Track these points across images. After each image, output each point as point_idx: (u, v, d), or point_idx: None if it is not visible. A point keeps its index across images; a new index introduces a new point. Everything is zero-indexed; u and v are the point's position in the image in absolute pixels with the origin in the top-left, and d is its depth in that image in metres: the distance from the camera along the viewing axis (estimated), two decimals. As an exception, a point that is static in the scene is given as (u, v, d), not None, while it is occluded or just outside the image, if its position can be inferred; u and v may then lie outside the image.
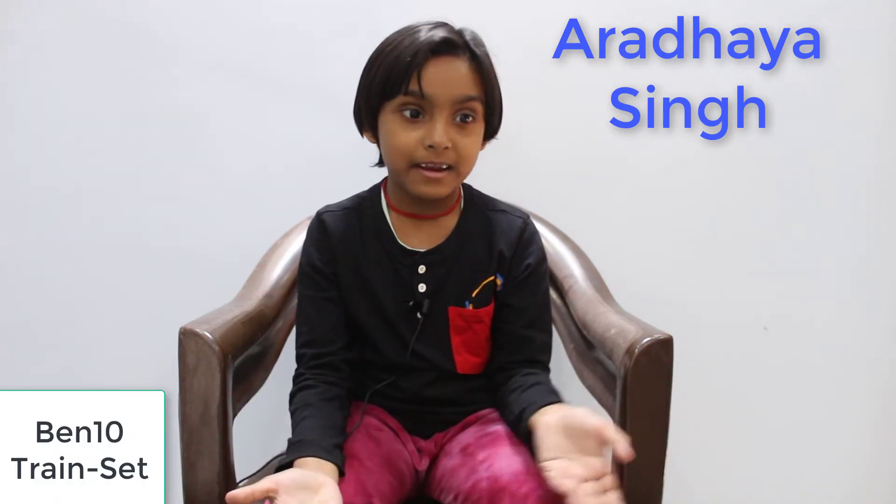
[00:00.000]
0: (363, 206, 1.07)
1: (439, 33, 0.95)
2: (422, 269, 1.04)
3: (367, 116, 1.01)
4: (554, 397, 0.96)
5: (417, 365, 1.05)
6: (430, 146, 0.95)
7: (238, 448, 1.02)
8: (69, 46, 1.35)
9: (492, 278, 1.05)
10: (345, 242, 1.05)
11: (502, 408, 1.03)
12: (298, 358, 1.05)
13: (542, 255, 1.08)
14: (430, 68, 0.94)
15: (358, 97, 1.02)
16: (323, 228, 1.05)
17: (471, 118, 0.97)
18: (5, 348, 1.41)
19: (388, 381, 1.05)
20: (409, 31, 0.97)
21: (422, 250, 1.04)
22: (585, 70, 1.38)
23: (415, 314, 1.04)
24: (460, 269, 1.05)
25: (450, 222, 1.06)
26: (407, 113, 0.96)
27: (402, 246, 1.04)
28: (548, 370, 1.07)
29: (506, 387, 1.03)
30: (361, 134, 1.05)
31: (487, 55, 0.99)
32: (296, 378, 1.03)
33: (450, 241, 1.05)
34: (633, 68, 1.38)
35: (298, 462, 0.88)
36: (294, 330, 1.10)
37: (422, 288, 1.04)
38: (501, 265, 1.05)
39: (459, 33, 0.97)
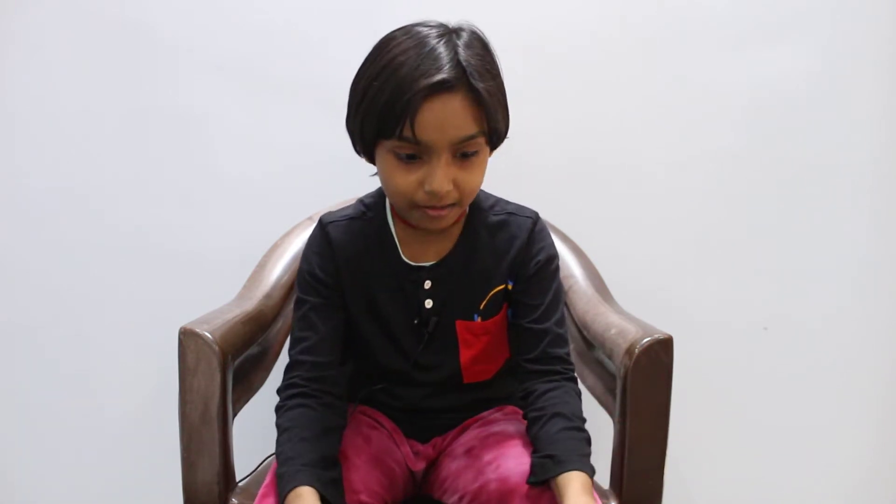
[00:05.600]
0: (367, 217, 1.03)
1: (434, 73, 0.85)
2: (427, 284, 1.01)
3: (362, 145, 0.94)
4: (574, 459, 0.89)
5: (420, 378, 1.03)
6: (430, 191, 0.89)
7: (238, 448, 1.02)
8: (69, 46, 1.35)
9: (501, 287, 1.02)
10: (349, 256, 1.00)
11: (528, 421, 0.97)
12: (296, 364, 0.98)
13: (551, 253, 1.03)
14: (423, 113, 0.85)
15: (350, 122, 0.94)
16: (327, 240, 1.01)
17: (473, 152, 0.91)
18: (5, 349, 1.42)
19: (382, 386, 1.05)
20: (399, 55, 0.87)
21: (427, 265, 1.01)
22: (586, 70, 1.38)
23: (421, 330, 1.01)
24: (467, 282, 1.01)
25: (456, 231, 1.02)
26: (403, 156, 0.89)
27: (406, 262, 1.01)
28: (569, 368, 1.00)
29: (529, 399, 0.98)
30: (357, 152, 0.98)
31: (490, 74, 0.90)
32: (290, 386, 0.97)
33: (455, 252, 1.01)
34: (632, 69, 1.38)
35: (298, 491, 0.86)
36: (289, 339, 1.05)
37: (428, 304, 1.01)
38: (513, 270, 1.02)
39: (456, 60, 0.87)
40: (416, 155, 0.89)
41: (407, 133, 0.86)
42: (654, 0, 1.36)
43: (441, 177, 0.88)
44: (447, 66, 0.86)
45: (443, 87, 0.86)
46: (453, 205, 0.93)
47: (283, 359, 1.18)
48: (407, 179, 0.90)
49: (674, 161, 1.40)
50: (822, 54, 1.39)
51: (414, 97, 0.85)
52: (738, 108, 1.39)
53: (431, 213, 0.92)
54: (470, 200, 0.97)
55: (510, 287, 1.02)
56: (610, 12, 1.37)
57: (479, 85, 0.87)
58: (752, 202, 1.42)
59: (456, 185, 0.90)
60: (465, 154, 0.90)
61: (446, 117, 0.86)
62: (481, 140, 0.91)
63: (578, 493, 0.85)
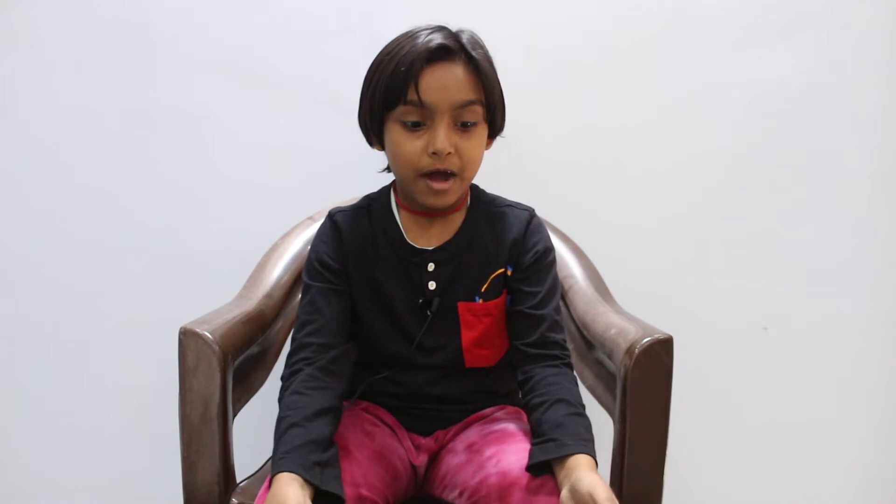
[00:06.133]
0: (373, 206, 1.09)
1: (435, 40, 0.96)
2: (431, 266, 1.05)
3: (372, 127, 1.02)
4: (579, 443, 0.91)
5: (422, 362, 1.05)
6: (434, 153, 0.96)
7: (238, 448, 1.02)
8: (69, 46, 1.35)
9: (501, 270, 1.06)
10: (356, 241, 1.06)
11: (528, 408, 1.00)
12: (301, 347, 1.00)
13: (549, 244, 1.09)
14: (426, 76, 0.95)
15: (361, 108, 1.03)
16: (336, 228, 1.06)
17: (472, 122, 0.98)
18: (5, 348, 1.42)
19: (385, 374, 1.06)
20: (405, 39, 0.97)
21: (430, 248, 1.05)
22: (586, 70, 1.38)
23: (424, 312, 1.05)
24: (469, 265, 1.06)
25: (458, 219, 1.07)
26: (409, 123, 0.97)
27: (410, 245, 1.05)
28: (566, 353, 1.04)
29: (529, 384, 1.00)
30: (370, 144, 1.05)
31: (486, 56, 1.00)
32: (294, 374, 0.98)
33: (457, 237, 1.06)
34: (633, 69, 1.38)
35: (277, 477, 0.86)
36: (294, 325, 1.07)
37: (431, 285, 1.05)
38: (511, 255, 1.06)
39: (456, 37, 0.98)
40: (420, 122, 0.97)
41: (412, 96, 0.95)
42: (654, 0, 1.37)
43: (443, 136, 0.96)
44: (448, 37, 0.97)
45: (443, 52, 0.96)
46: (455, 176, 0.99)
47: (284, 359, 1.19)
48: (413, 145, 0.97)
49: (674, 161, 1.40)
50: (822, 54, 1.39)
51: (416, 61, 0.94)
52: (738, 108, 1.39)
53: (435, 184, 0.98)
54: (470, 174, 1.02)
55: (509, 273, 1.06)
56: (610, 12, 1.37)
57: (478, 53, 0.97)
58: (752, 202, 1.42)
59: (457, 151, 0.97)
60: (465, 124, 0.98)
61: (448, 81, 0.96)
62: (480, 110, 0.99)
63: (589, 470, 0.87)
